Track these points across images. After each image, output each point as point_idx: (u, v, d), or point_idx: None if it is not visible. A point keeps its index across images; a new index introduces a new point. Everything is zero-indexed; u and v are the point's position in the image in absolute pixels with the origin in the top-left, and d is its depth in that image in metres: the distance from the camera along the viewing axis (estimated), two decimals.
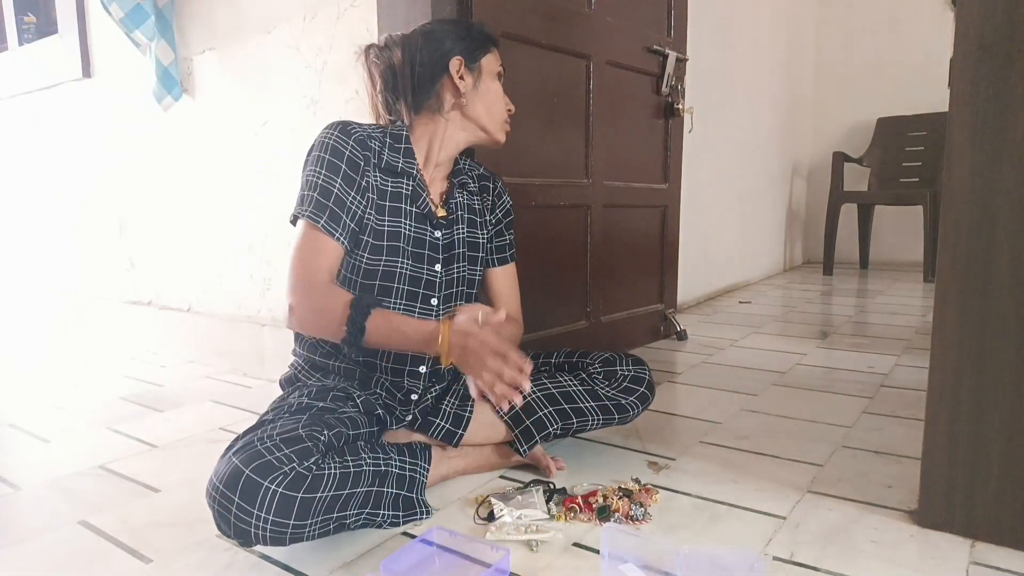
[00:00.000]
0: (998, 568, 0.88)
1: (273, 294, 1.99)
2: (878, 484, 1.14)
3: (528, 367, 0.96)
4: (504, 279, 1.31)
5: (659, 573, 0.86)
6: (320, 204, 1.06)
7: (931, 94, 4.15)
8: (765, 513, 1.04)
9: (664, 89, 2.21)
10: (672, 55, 2.20)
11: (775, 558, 0.91)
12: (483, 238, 1.26)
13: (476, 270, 1.25)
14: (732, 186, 3.55)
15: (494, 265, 1.30)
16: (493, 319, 1.00)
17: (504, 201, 1.31)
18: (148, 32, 2.08)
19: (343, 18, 1.71)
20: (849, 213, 4.27)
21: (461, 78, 1.15)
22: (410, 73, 1.15)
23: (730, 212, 3.55)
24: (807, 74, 4.65)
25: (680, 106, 2.27)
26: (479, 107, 1.18)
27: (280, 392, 1.20)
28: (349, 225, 1.09)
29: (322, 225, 1.06)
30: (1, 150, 3.20)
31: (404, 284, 1.14)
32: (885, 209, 4.40)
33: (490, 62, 1.19)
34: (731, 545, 0.95)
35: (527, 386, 0.96)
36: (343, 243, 1.08)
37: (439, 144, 1.18)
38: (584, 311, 2.02)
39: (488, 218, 1.28)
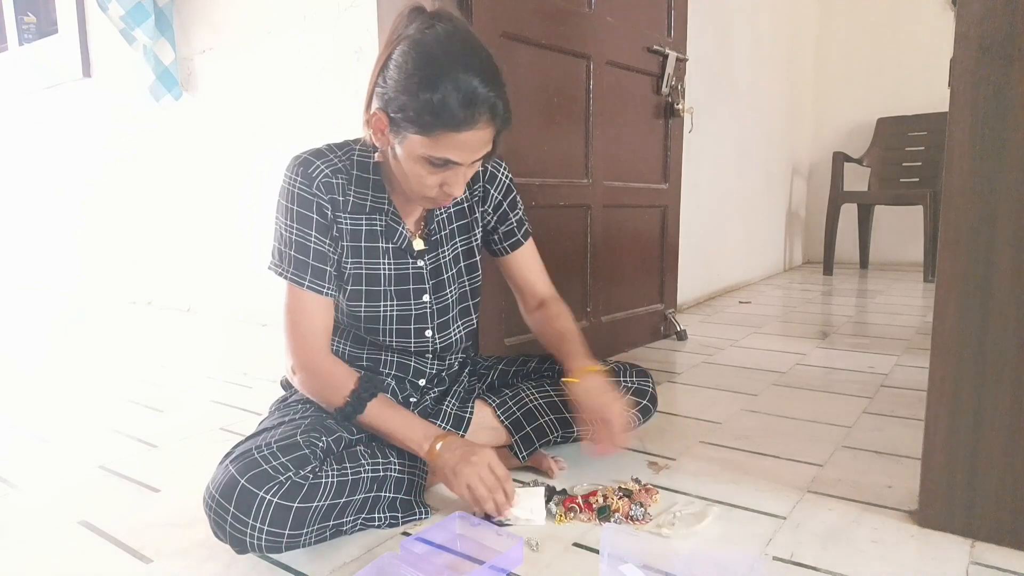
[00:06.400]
0: (998, 568, 0.88)
1: (272, 294, 1.99)
2: (878, 484, 1.14)
3: (514, 499, 1.00)
4: (524, 261, 1.25)
5: (659, 573, 0.86)
6: (300, 263, 1.02)
7: (931, 94, 4.15)
8: (765, 513, 1.04)
9: (664, 89, 2.21)
10: (672, 55, 2.20)
11: (775, 558, 0.91)
12: (478, 238, 1.20)
13: (476, 277, 1.21)
14: (732, 186, 3.55)
15: (508, 252, 1.23)
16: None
17: (499, 181, 1.19)
18: (148, 31, 2.08)
19: (343, 18, 1.71)
20: (849, 213, 4.27)
21: (381, 132, 0.96)
22: (372, 82, 0.96)
23: (730, 212, 3.55)
24: (807, 74, 4.65)
25: (680, 106, 2.27)
26: (393, 167, 1.00)
27: (281, 392, 1.20)
28: (333, 275, 1.05)
29: (307, 286, 1.02)
30: (1, 150, 3.20)
31: (392, 324, 1.10)
32: (885, 209, 4.40)
33: (421, 146, 0.92)
34: (731, 545, 0.95)
35: (506, 513, 1.00)
36: (331, 296, 1.05)
37: (395, 175, 1.03)
38: (584, 311, 2.01)
39: (485, 209, 1.19)
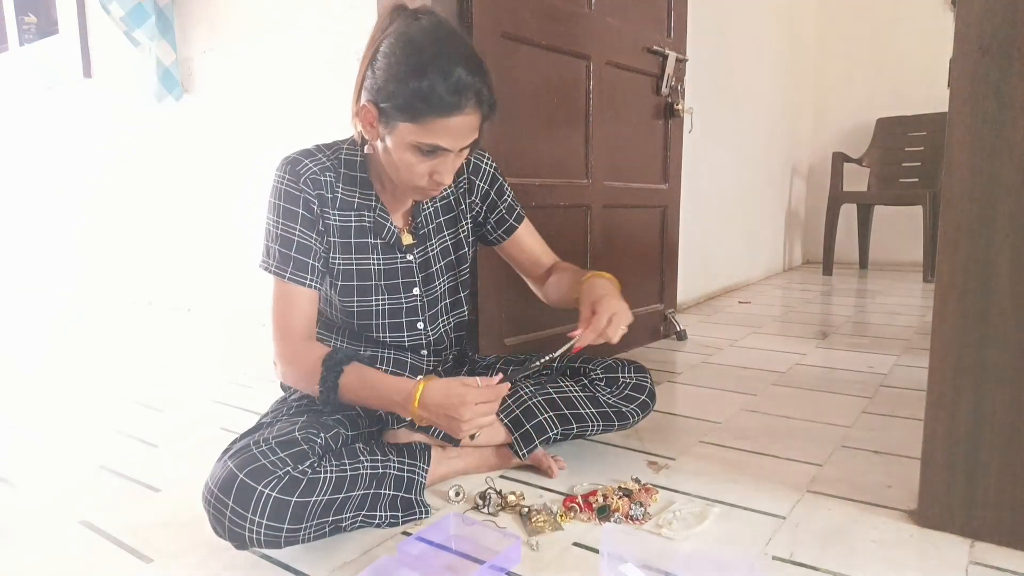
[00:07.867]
0: (998, 568, 0.88)
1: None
2: (878, 484, 1.14)
3: (496, 381, 0.96)
4: (524, 243, 1.26)
5: (659, 573, 0.86)
6: (283, 256, 1.03)
7: (931, 94, 4.15)
8: (765, 513, 1.05)
9: (664, 89, 2.21)
10: (672, 55, 2.20)
11: (775, 558, 0.91)
12: (466, 230, 1.21)
13: (464, 269, 1.23)
14: (732, 186, 3.55)
15: (504, 239, 1.25)
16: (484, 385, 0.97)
17: (483, 171, 1.20)
18: (149, 32, 2.08)
19: (343, 19, 1.72)
20: (849, 213, 4.27)
21: (371, 125, 0.98)
22: (359, 77, 0.99)
23: (730, 212, 3.55)
24: (807, 74, 4.65)
25: (680, 106, 2.27)
26: (382, 160, 1.01)
27: (281, 393, 1.20)
28: (318, 268, 1.06)
29: (288, 278, 1.03)
30: (2, 150, 3.20)
31: (384, 319, 1.12)
32: (885, 209, 4.40)
33: (411, 133, 0.94)
34: (731, 545, 0.95)
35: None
36: (315, 287, 1.06)
37: (385, 168, 1.04)
38: None
39: (472, 200, 1.20)
